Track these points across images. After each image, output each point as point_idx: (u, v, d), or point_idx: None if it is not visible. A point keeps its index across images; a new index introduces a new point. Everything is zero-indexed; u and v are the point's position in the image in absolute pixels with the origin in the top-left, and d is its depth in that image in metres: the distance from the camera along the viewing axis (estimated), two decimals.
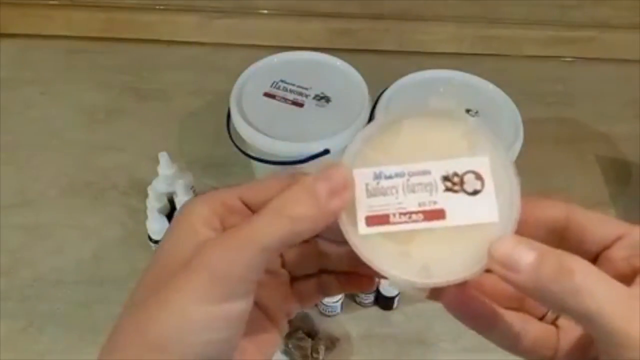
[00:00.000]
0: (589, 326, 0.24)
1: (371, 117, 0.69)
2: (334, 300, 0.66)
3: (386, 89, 0.71)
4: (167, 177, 0.71)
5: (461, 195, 0.25)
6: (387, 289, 0.66)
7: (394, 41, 0.97)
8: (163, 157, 0.70)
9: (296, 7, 0.95)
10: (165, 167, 0.70)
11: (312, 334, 0.65)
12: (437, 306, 0.68)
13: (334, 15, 0.95)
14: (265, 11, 0.96)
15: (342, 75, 0.74)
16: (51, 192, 0.79)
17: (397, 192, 0.25)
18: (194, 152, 0.83)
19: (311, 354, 0.63)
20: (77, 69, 0.95)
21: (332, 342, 0.65)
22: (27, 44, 0.99)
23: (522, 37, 0.95)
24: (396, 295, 0.67)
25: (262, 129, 0.67)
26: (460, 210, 0.25)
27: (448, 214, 0.25)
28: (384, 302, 0.68)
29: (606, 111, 0.89)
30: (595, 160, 0.83)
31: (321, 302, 0.66)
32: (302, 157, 0.66)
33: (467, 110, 0.68)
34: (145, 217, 0.69)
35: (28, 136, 0.86)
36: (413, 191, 0.25)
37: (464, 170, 0.25)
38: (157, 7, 0.97)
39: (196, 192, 0.73)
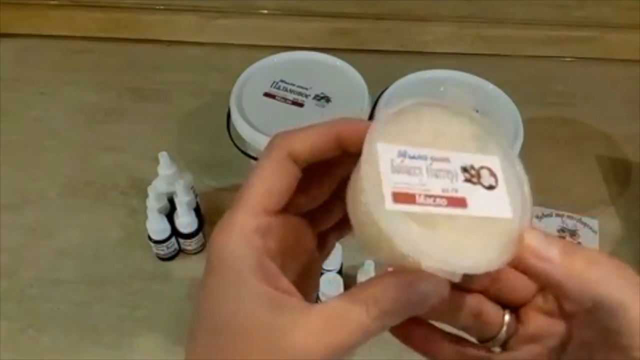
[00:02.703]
0: (611, 313, 0.25)
1: (371, 117, 0.69)
2: None
3: (386, 89, 0.71)
4: (167, 177, 0.70)
5: (479, 187, 0.25)
6: None
7: (394, 41, 0.97)
8: (163, 157, 0.70)
9: (296, 7, 0.95)
10: (165, 167, 0.70)
11: None
12: None
13: (334, 15, 0.95)
14: (265, 11, 0.96)
15: (342, 75, 0.74)
16: (51, 192, 0.79)
17: (421, 173, 0.25)
18: (194, 152, 0.83)
19: None
20: (77, 69, 0.95)
21: None
22: (27, 44, 0.99)
23: (522, 37, 0.95)
24: None
25: (262, 129, 0.67)
26: (479, 201, 0.25)
27: (469, 203, 0.25)
28: None
29: (606, 111, 0.89)
30: (595, 160, 0.83)
31: (321, 302, 0.66)
32: None
33: None
34: (145, 217, 0.69)
35: (28, 136, 0.86)
36: (436, 176, 0.25)
37: (479, 165, 0.26)
38: (157, 7, 0.97)
39: (196, 192, 0.73)
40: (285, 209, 0.28)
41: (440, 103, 0.27)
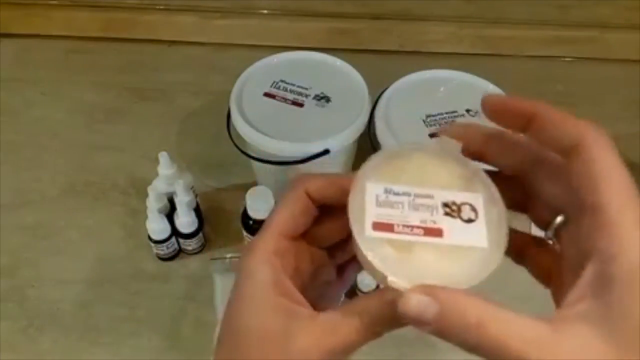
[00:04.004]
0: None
1: (371, 117, 0.69)
2: None
3: (386, 89, 0.72)
4: (167, 177, 0.71)
5: (458, 220, 0.28)
6: None
7: (394, 41, 0.97)
8: (163, 157, 0.70)
9: (296, 7, 0.95)
10: (165, 167, 0.70)
11: None
12: None
13: (334, 15, 0.95)
14: (265, 11, 0.96)
15: (342, 75, 0.74)
16: (51, 192, 0.79)
17: (402, 207, 0.28)
18: (194, 152, 0.83)
19: None
20: (77, 69, 0.95)
21: None
22: (27, 44, 0.99)
23: (522, 37, 0.95)
24: None
25: (262, 129, 0.67)
26: (456, 233, 0.28)
27: (445, 233, 0.28)
28: None
29: (606, 111, 0.89)
30: None
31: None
32: (302, 157, 0.66)
33: (467, 110, 0.68)
34: (145, 217, 0.69)
35: (28, 136, 0.86)
36: (417, 209, 0.28)
37: (461, 201, 0.28)
38: (157, 7, 0.97)
39: (196, 192, 0.73)
40: (307, 240, 0.32)
41: (431, 147, 0.30)
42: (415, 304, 0.25)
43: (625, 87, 0.91)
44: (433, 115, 0.68)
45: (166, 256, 0.72)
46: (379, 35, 0.96)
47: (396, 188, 0.29)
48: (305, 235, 0.32)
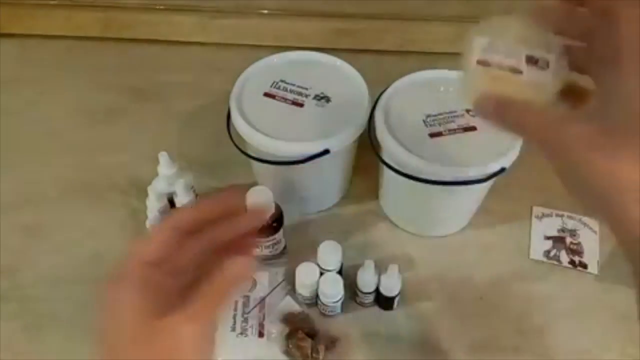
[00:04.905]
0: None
1: (371, 117, 0.69)
2: (334, 300, 0.66)
3: (386, 89, 0.71)
4: (167, 177, 0.71)
5: (534, 67, 0.41)
6: (387, 289, 0.66)
7: (394, 41, 0.97)
8: (163, 157, 0.70)
9: (296, 7, 0.95)
10: (165, 167, 0.70)
11: (312, 334, 0.65)
12: (437, 306, 0.67)
13: (334, 15, 0.95)
14: (265, 11, 0.96)
15: (342, 75, 0.74)
16: (51, 192, 0.80)
17: (499, 53, 0.42)
18: (194, 152, 0.83)
19: (311, 354, 0.63)
20: (77, 69, 0.95)
21: (332, 342, 0.65)
22: (27, 44, 0.99)
23: None
24: (396, 295, 0.67)
25: (262, 129, 0.67)
26: (532, 74, 0.41)
27: (524, 74, 0.41)
28: (384, 302, 0.68)
29: None
30: None
31: (321, 302, 0.66)
32: (302, 157, 0.66)
33: (467, 110, 0.68)
34: (145, 217, 0.69)
35: (28, 136, 0.86)
36: (508, 56, 0.41)
37: (539, 56, 0.41)
38: (157, 7, 0.97)
39: (196, 192, 0.73)
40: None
41: (526, 21, 0.42)
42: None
43: None
44: (433, 115, 0.68)
45: None
46: (379, 35, 0.96)
47: (496, 42, 0.42)
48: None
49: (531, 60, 0.42)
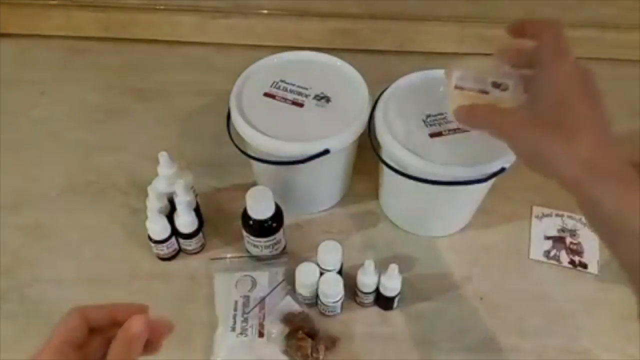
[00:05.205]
0: None
1: (371, 117, 0.69)
2: (334, 300, 0.66)
3: (386, 89, 0.71)
4: (167, 177, 0.71)
5: (497, 90, 0.54)
6: (387, 289, 0.66)
7: (394, 41, 0.97)
8: (163, 157, 0.70)
9: (296, 7, 0.95)
10: (165, 167, 0.70)
11: (312, 334, 0.65)
12: (437, 306, 0.68)
13: (334, 15, 0.95)
14: (265, 11, 0.96)
15: (342, 75, 0.74)
16: (51, 192, 0.80)
17: (470, 81, 0.55)
18: (194, 152, 0.83)
19: (311, 354, 0.63)
20: (77, 69, 0.95)
21: (332, 342, 0.65)
22: (27, 44, 0.99)
23: None
24: (396, 295, 0.67)
25: (262, 129, 0.67)
26: (496, 94, 0.54)
27: (490, 94, 0.54)
28: (384, 302, 0.68)
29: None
30: None
31: (321, 302, 0.66)
32: (302, 157, 0.66)
33: None
34: (145, 217, 0.69)
35: (28, 136, 0.86)
36: (477, 83, 0.55)
37: (500, 81, 0.54)
38: (157, 7, 0.97)
39: (196, 192, 0.73)
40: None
41: (488, 61, 0.55)
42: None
43: (625, 87, 0.91)
44: (433, 115, 0.68)
45: (166, 256, 0.72)
46: (379, 35, 0.96)
47: (467, 73, 0.55)
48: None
49: (495, 85, 0.55)
